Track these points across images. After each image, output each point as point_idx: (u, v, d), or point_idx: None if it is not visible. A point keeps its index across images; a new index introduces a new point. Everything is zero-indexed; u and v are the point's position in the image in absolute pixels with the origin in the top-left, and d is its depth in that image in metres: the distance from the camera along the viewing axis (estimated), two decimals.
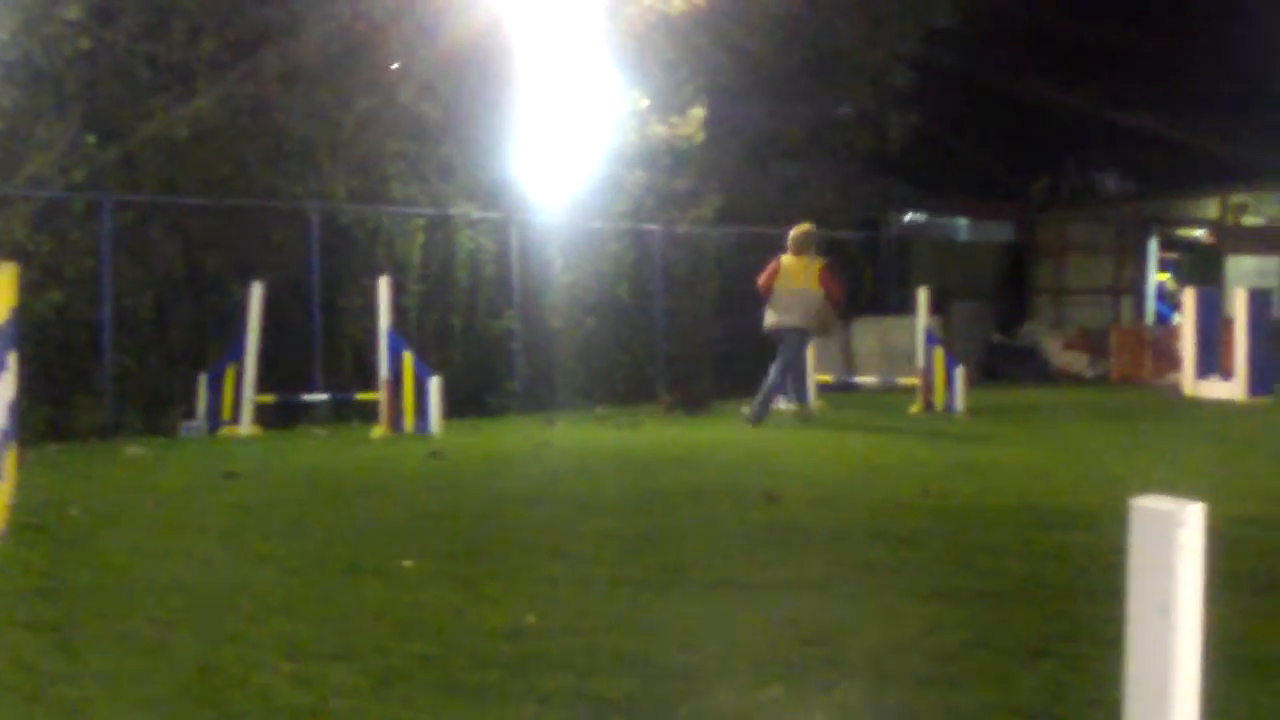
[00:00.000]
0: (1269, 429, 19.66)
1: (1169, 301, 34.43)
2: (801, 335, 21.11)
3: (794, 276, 20.92)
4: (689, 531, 11.23)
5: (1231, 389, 24.92)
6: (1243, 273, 32.76)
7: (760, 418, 20.73)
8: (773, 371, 20.95)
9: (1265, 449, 16.70)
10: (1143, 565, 2.76)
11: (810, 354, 22.71)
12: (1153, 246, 34.89)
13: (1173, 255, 37.23)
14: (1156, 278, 35.47)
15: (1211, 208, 34.62)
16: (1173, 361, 27.91)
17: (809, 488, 13.70)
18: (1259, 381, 24.68)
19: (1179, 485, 13.82)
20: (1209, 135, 47.00)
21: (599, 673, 6.83)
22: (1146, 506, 2.80)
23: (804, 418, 21.28)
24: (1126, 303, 34.47)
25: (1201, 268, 34.62)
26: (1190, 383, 26.22)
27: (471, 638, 7.58)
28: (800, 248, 21.10)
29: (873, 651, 7.31)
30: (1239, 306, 25.25)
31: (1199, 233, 35.81)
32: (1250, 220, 34.62)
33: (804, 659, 7.16)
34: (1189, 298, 27.06)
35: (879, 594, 8.79)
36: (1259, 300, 25.47)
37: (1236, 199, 34.26)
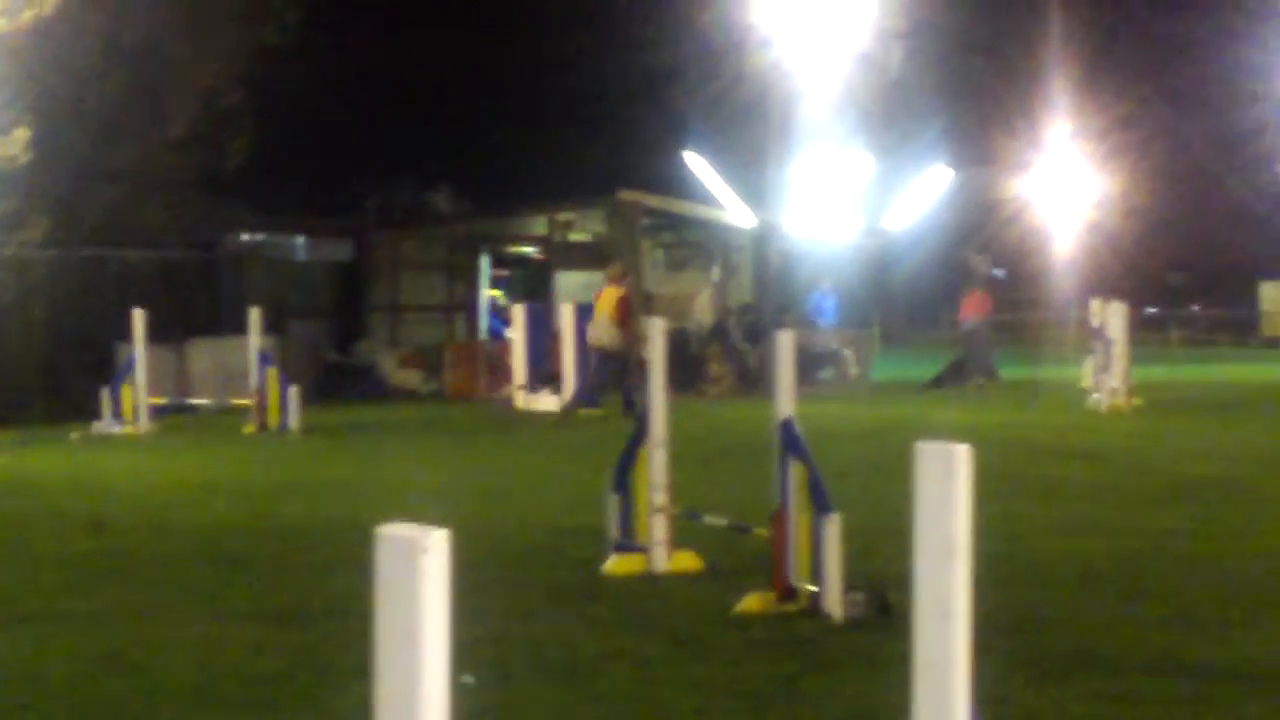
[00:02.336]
0: (595, 440, 20.47)
1: (501, 317, 35.33)
2: (602, 353, 24.50)
3: (600, 304, 24.67)
4: (5, 563, 10.90)
5: (560, 401, 25.80)
6: (571, 288, 33.96)
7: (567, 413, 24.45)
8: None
9: (589, 459, 17.39)
10: (390, 592, 2.89)
11: (144, 375, 22.37)
12: (485, 263, 35.74)
13: (505, 272, 38.26)
14: (489, 294, 36.34)
15: (540, 225, 35.73)
16: (506, 376, 28.69)
17: (137, 513, 13.49)
18: (586, 393, 25.62)
19: (503, 497, 14.29)
20: (537, 154, 48.61)
21: None
22: (390, 534, 2.93)
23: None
24: (460, 319, 35.17)
25: (532, 284, 35.73)
26: (521, 396, 27.02)
27: None
28: (612, 280, 24.88)
29: (191, 678, 7.30)
30: (567, 321, 26.16)
31: (529, 249, 36.93)
32: (577, 236, 35.93)
33: (121, 692, 7.08)
34: (519, 313, 27.89)
35: (203, 619, 8.77)
36: (585, 315, 26.47)
37: (563, 216, 35.47)
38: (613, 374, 24.85)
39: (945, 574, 3.26)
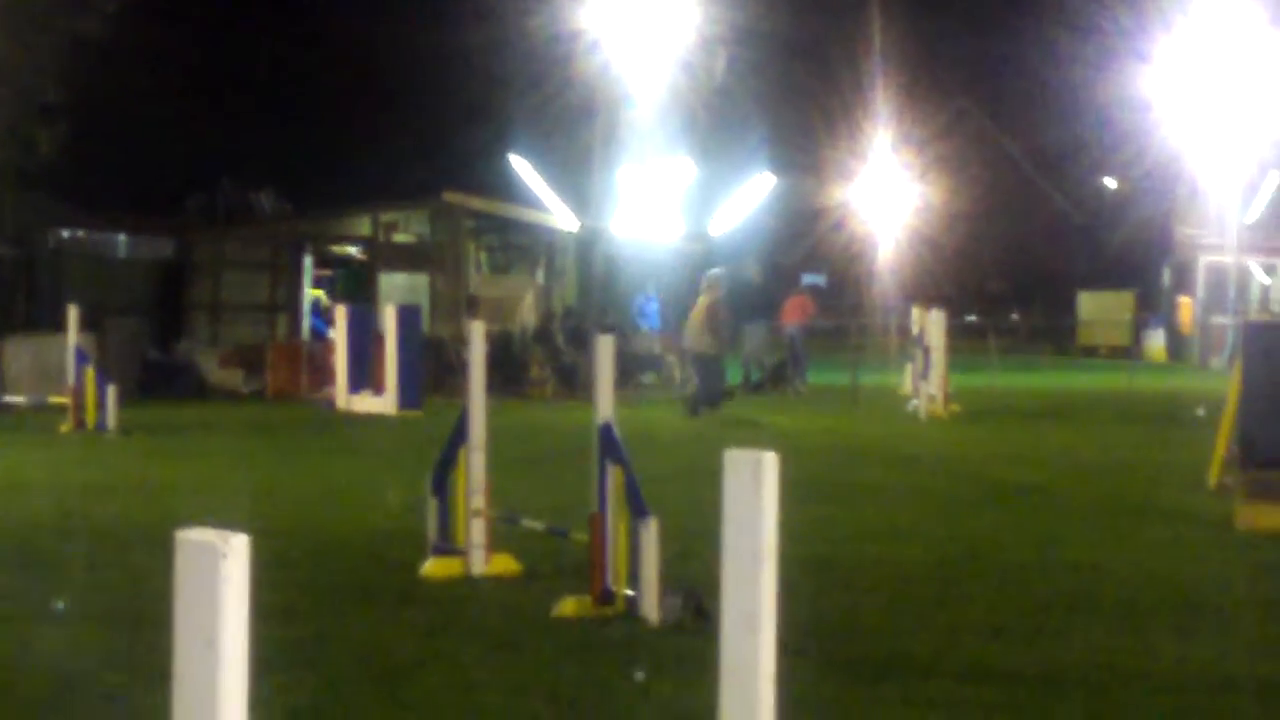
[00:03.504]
0: (414, 441, 20.35)
1: (324, 318, 35.04)
2: (696, 356, 25.34)
3: (694, 312, 25.29)
4: None
5: (383, 403, 25.66)
6: (394, 289, 33.80)
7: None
8: None
9: (409, 462, 17.28)
10: (189, 597, 2.86)
11: None
12: (308, 263, 35.43)
13: (328, 272, 37.96)
14: (312, 294, 36.03)
15: (364, 226, 35.51)
16: (328, 376, 28.45)
17: None
18: (408, 395, 25.52)
19: (323, 499, 14.17)
20: (362, 155, 48.28)
21: None
22: (189, 538, 2.89)
23: None
24: (283, 319, 34.84)
25: (355, 284, 35.49)
26: (344, 397, 26.82)
27: None
28: (707, 288, 25.24)
29: None
30: (389, 322, 26.02)
31: (352, 250, 36.69)
32: (401, 238, 35.77)
33: None
34: (341, 314, 27.69)
35: (12, 619, 8.62)
36: (408, 316, 26.36)
37: (387, 217, 35.29)
38: (707, 375, 25.24)
39: (752, 580, 3.29)
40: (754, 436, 20.35)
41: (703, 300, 25.07)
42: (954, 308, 41.07)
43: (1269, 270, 51.83)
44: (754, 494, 3.29)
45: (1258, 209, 49.73)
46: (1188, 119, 47.02)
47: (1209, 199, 50.00)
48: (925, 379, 25.55)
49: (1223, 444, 15.30)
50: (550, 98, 35.35)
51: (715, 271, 25.82)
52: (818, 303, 37.45)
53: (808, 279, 58.90)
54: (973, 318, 54.01)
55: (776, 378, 30.99)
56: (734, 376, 29.75)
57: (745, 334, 31.55)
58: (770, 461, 3.31)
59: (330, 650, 8.13)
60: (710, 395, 24.75)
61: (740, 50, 37.31)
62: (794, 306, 32.43)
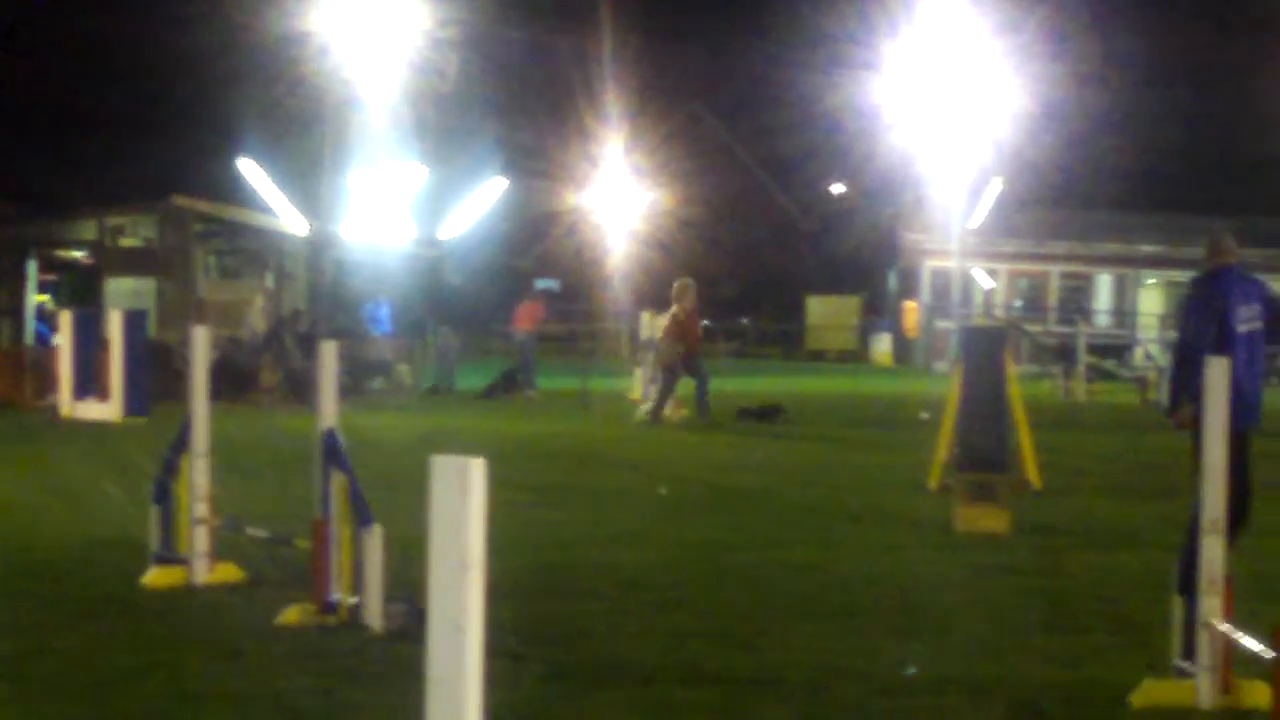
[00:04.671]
0: (139, 448, 19.95)
1: (49, 323, 34.18)
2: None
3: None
4: None
5: (108, 410, 25.12)
6: (121, 294, 33.10)
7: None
8: None
9: (132, 470, 16.94)
10: None
11: None
12: (32, 268, 34.54)
13: (53, 277, 37.04)
14: (36, 299, 35.12)
15: (90, 229, 34.72)
16: (52, 383, 27.76)
17: None
18: (134, 402, 25.01)
19: (43, 509, 13.83)
20: (88, 158, 47.26)
21: None
22: None
23: None
24: (6, 325, 33.91)
25: (81, 289, 34.68)
26: (68, 404, 26.20)
27: None
28: (674, 297, 25.42)
29: None
30: (115, 328, 25.49)
31: (78, 254, 35.85)
32: (128, 242, 35.06)
33: None
34: (66, 320, 27.04)
35: None
36: (134, 321, 25.86)
37: (114, 220, 34.56)
38: (665, 386, 25.02)
39: (459, 587, 3.32)
40: (481, 442, 20.34)
41: (673, 310, 25.17)
42: None
43: (992, 275, 53.26)
44: (460, 500, 3.32)
45: (981, 215, 51.10)
46: (914, 127, 48.18)
47: (934, 205, 51.25)
48: (655, 383, 25.78)
49: (943, 447, 15.71)
50: (280, 100, 34.97)
51: (685, 280, 25.84)
52: (550, 308, 37.59)
53: (541, 284, 59.06)
54: (704, 322, 54.60)
55: (508, 383, 31.00)
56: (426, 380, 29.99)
57: (442, 337, 31.64)
58: (477, 467, 3.34)
59: (45, 663, 7.97)
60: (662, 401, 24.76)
61: (472, 54, 37.29)
62: (526, 312, 32.49)
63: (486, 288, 55.59)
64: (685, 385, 25.31)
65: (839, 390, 33.80)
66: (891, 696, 7.57)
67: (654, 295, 50.04)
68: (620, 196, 53.84)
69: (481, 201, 39.58)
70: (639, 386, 27.79)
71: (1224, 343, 11.45)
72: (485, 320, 53.78)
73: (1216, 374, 7.47)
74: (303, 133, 35.49)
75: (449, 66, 36.43)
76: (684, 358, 24.78)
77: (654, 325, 27.21)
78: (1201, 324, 11.74)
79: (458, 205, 38.96)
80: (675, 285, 25.68)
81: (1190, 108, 65.85)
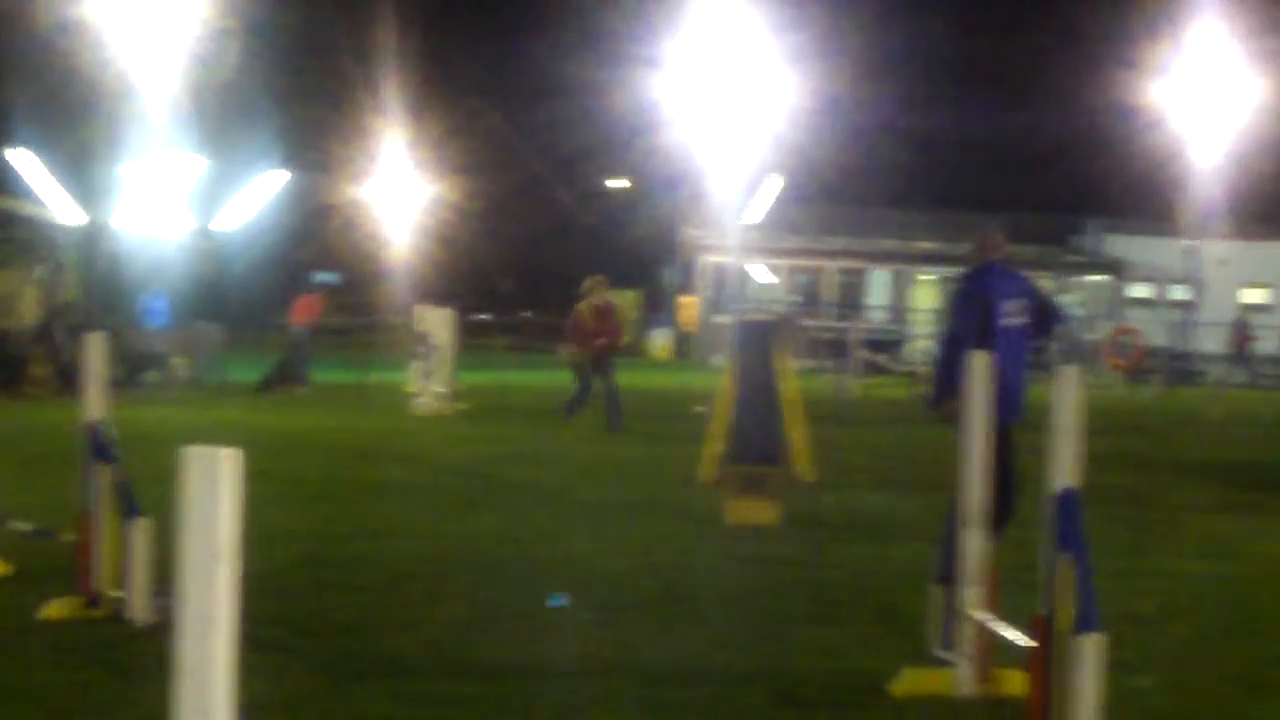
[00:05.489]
0: None
1: None
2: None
3: None
4: None
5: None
6: None
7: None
8: None
9: None
10: None
11: None
12: None
13: None
14: None
15: None
16: None
17: None
18: None
19: None
20: None
21: None
22: None
23: None
24: None
25: None
26: None
27: None
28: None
29: None
30: None
31: None
32: None
33: None
34: None
35: None
36: None
37: None
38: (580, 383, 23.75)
39: (210, 580, 3.33)
40: (254, 436, 20.11)
41: (581, 306, 23.94)
42: (464, 306, 41.51)
43: (770, 271, 53.91)
44: (212, 492, 3.33)
45: (759, 211, 51.68)
46: (693, 122, 48.60)
47: (713, 201, 51.73)
48: (431, 377, 25.75)
49: (716, 440, 15.89)
50: (53, 89, 34.27)
51: (596, 278, 24.64)
52: (329, 301, 37.34)
53: (321, 277, 58.52)
54: (483, 316, 54.55)
55: (283, 377, 30.71)
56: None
57: (197, 332, 31.36)
58: (230, 459, 3.35)
59: None
60: (579, 399, 23.76)
61: (251, 43, 36.85)
62: (303, 306, 32.21)
63: (265, 280, 55.08)
64: (473, 378, 25.20)
65: (621, 384, 33.96)
66: (655, 686, 7.67)
67: (434, 289, 49.96)
68: (401, 190, 53.56)
69: (261, 193, 39.09)
70: (414, 379, 27.69)
71: (988, 337, 11.76)
72: (263, 313, 53.26)
73: (979, 368, 7.66)
74: (77, 123, 34.81)
75: (228, 56, 35.98)
76: (594, 358, 23.56)
77: (430, 319, 27.11)
78: (966, 319, 12.02)
79: (236, 197, 38.46)
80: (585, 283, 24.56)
81: (965, 107, 67.38)
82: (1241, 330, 48.59)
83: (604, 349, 23.55)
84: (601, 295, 23.90)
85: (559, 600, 9.28)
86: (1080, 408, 6.32)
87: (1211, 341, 50.44)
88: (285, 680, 7.45)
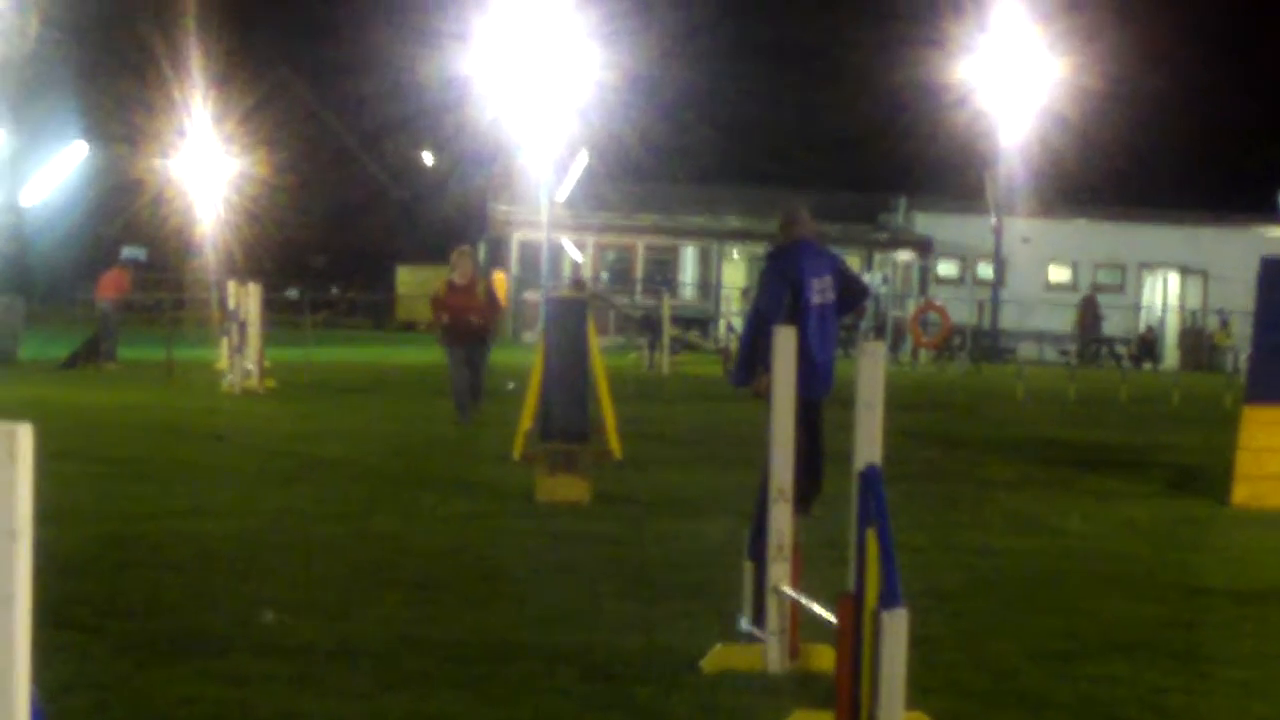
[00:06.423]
0: None
1: None
2: None
3: None
4: None
5: None
6: None
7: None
8: None
9: None
10: None
11: None
12: None
13: None
14: None
15: None
16: None
17: None
18: None
19: None
20: None
21: None
22: None
23: None
24: None
25: None
26: None
27: None
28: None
29: None
30: None
31: None
32: None
33: None
34: None
35: None
36: None
37: None
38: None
39: (6, 557, 3.26)
40: (60, 413, 19.73)
41: (442, 280, 21.81)
42: (273, 282, 41.06)
43: (580, 247, 53.91)
44: (7, 469, 3.26)
45: (569, 187, 51.70)
46: (503, 98, 48.50)
47: (523, 177, 51.66)
48: (241, 354, 25.47)
49: (527, 418, 15.90)
50: None
51: (463, 249, 22.57)
52: (137, 277, 36.77)
53: (127, 252, 57.62)
54: (293, 292, 53.91)
55: (90, 353, 30.20)
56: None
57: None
58: (24, 433, 3.28)
59: None
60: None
61: (54, 12, 36.07)
62: (109, 281, 31.71)
63: (71, 255, 54.10)
64: (282, 355, 24.87)
65: (428, 361, 33.78)
66: (464, 664, 7.64)
67: (242, 264, 49.38)
68: (209, 163, 52.83)
69: (63, 167, 38.41)
70: (224, 356, 27.35)
71: (796, 314, 11.89)
72: (69, 289, 52.29)
73: (784, 344, 7.69)
74: None
75: (30, 25, 35.18)
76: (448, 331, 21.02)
77: (239, 294, 26.79)
78: (774, 295, 12.18)
79: (41, 171, 37.72)
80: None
81: (773, 85, 67.90)
82: (1090, 308, 49.58)
83: (479, 329, 21.26)
84: (466, 268, 21.47)
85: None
86: (882, 383, 6.39)
87: (1014, 317, 51.62)
88: (90, 660, 7.33)
